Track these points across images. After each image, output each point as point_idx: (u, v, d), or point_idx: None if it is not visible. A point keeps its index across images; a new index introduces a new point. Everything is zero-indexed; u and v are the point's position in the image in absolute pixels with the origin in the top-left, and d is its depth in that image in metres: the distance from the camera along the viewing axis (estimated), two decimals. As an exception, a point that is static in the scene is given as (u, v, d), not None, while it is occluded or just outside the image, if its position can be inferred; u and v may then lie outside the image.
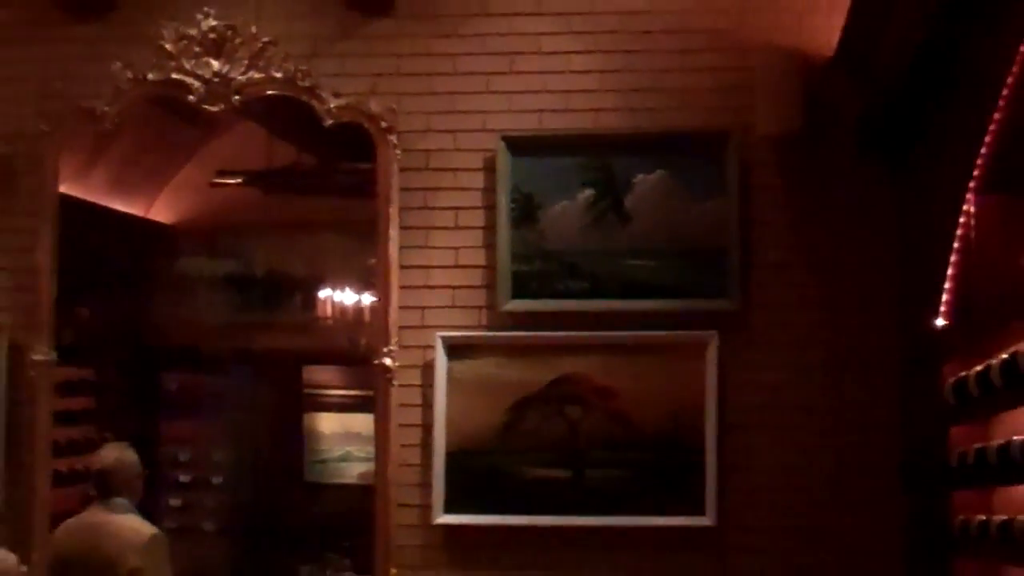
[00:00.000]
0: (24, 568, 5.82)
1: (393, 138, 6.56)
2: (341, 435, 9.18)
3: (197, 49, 6.63)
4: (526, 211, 6.53)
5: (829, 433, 6.37)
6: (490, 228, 6.56)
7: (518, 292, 6.52)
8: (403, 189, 6.57)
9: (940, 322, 5.16)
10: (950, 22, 4.95)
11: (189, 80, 6.63)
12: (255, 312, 8.99)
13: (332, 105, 6.59)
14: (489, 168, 6.57)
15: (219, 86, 6.63)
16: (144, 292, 8.87)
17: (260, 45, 6.61)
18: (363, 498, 6.83)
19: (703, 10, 6.55)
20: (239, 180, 8.66)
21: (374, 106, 6.57)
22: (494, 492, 6.48)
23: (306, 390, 9.60)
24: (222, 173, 8.68)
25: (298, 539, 8.49)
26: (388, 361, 6.52)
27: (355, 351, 8.02)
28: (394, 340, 6.53)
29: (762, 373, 6.42)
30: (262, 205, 8.76)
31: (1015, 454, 4.25)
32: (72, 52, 6.81)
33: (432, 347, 6.53)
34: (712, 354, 6.40)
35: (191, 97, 6.66)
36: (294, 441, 9.40)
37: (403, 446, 6.55)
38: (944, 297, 5.12)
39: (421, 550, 6.53)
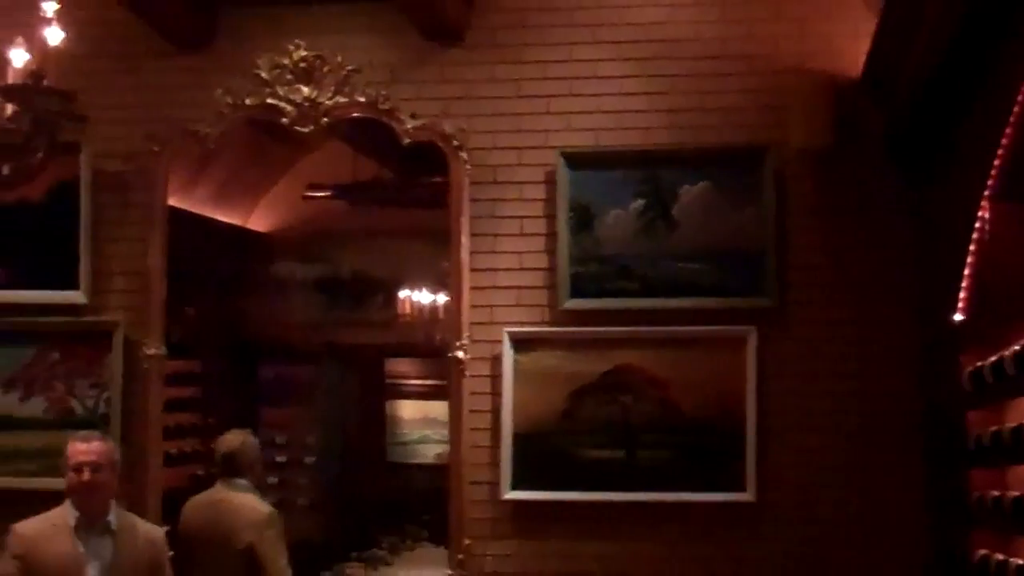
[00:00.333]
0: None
1: (464, 155, 6.55)
2: (419, 420, 9.25)
3: (289, 77, 6.64)
4: (583, 219, 6.51)
5: (856, 418, 6.32)
6: (551, 235, 6.55)
7: (576, 292, 6.51)
8: (473, 200, 6.57)
9: (958, 317, 5.12)
10: (966, 48, 4.92)
11: (282, 104, 6.65)
12: (342, 310, 9.05)
13: (409, 126, 6.59)
14: (550, 181, 6.56)
15: (309, 110, 6.64)
16: (243, 293, 8.94)
17: (345, 73, 6.62)
18: (439, 476, 6.86)
19: (741, 38, 6.51)
20: (327, 193, 8.72)
21: (447, 126, 6.57)
22: (556, 471, 6.47)
23: (388, 380, 9.66)
24: (312, 187, 8.74)
25: (381, 513, 8.55)
26: (461, 354, 6.52)
27: (431, 345, 8.07)
28: (466, 335, 6.53)
29: (796, 364, 6.38)
30: (348, 215, 8.81)
31: (1027, 436, 4.24)
32: (179, 81, 6.84)
33: (500, 341, 6.52)
34: (751, 347, 6.36)
35: (284, 120, 6.67)
36: (377, 425, 9.47)
37: (474, 429, 6.55)
38: (961, 294, 5.08)
39: (491, 523, 6.54)
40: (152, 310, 6.71)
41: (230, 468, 6.83)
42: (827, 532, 6.30)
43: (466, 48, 6.73)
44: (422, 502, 7.88)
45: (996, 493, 4.75)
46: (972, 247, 4.98)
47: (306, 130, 6.69)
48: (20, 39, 3.60)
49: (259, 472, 7.00)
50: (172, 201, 6.88)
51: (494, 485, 6.52)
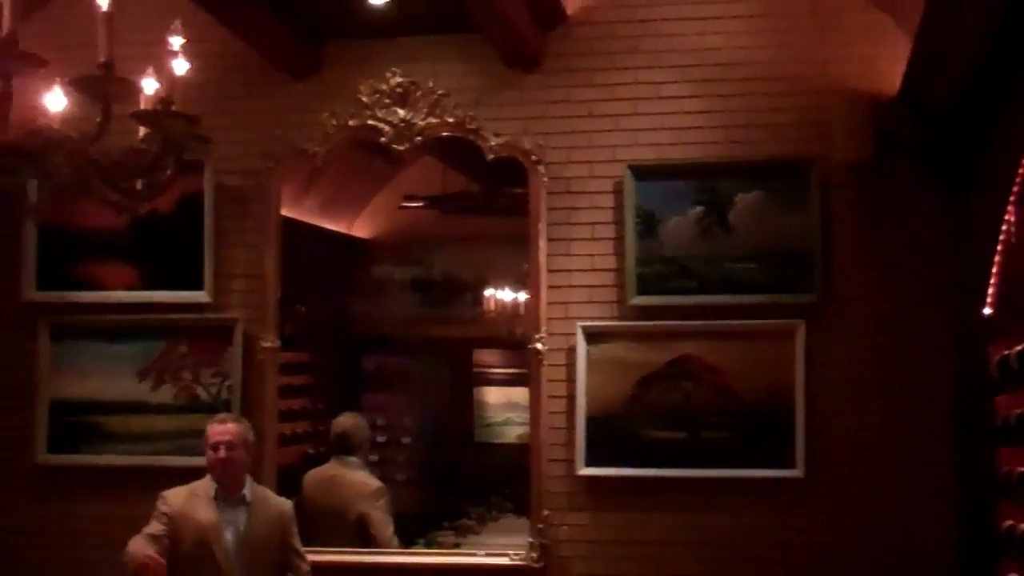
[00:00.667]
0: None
1: (541, 168, 6.57)
2: (503, 404, 9.24)
3: (387, 101, 6.67)
4: (647, 225, 6.50)
5: (895, 402, 6.27)
6: (619, 239, 6.54)
7: (642, 289, 6.50)
8: (549, 209, 6.57)
9: (987, 311, 5.06)
10: (992, 71, 4.88)
11: (381, 125, 6.68)
12: (434, 307, 9.08)
13: (493, 143, 6.61)
14: (618, 191, 6.55)
15: (404, 129, 6.67)
16: (348, 293, 9.00)
17: (436, 96, 6.65)
18: (520, 455, 6.85)
19: (789, 60, 6.48)
20: (421, 203, 8.75)
21: (526, 143, 6.59)
22: (624, 449, 6.46)
23: (475, 369, 9.66)
24: (407, 198, 8.78)
25: (469, 487, 8.55)
26: (539, 345, 6.53)
27: (513, 338, 8.07)
28: (544, 329, 6.54)
29: (840, 353, 6.34)
30: (439, 223, 8.84)
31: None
32: (290, 105, 6.89)
33: (574, 334, 6.52)
34: (800, 338, 6.33)
35: (382, 139, 6.70)
36: (466, 409, 9.47)
37: (552, 413, 6.55)
38: (990, 291, 5.02)
39: (567, 496, 6.54)
40: (268, 308, 6.77)
41: (343, 447, 6.94)
42: (868, 504, 6.27)
43: (543, 74, 6.73)
44: (506, 478, 7.88)
45: (1021, 469, 4.70)
46: (999, 248, 4.92)
47: (402, 148, 6.72)
48: (151, 70, 3.65)
49: (367, 450, 7.09)
50: (285, 211, 6.93)
51: (570, 462, 6.52)
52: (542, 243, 6.56)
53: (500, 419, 9.30)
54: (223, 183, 6.86)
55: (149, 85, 3.63)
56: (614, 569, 6.48)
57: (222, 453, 5.41)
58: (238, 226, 6.90)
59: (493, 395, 9.48)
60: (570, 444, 6.52)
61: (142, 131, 3.70)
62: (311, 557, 5.79)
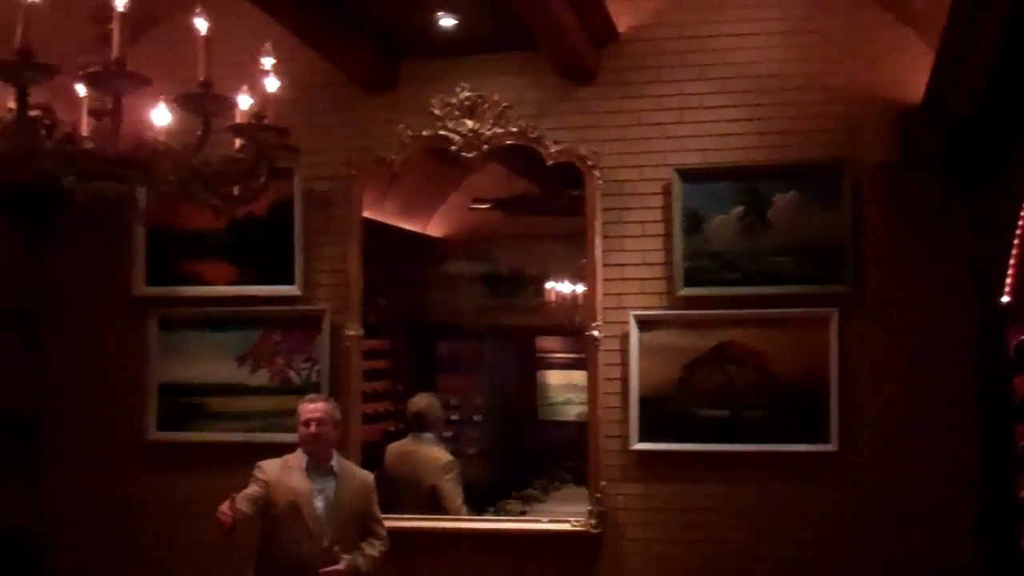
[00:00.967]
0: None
1: (596, 172, 6.55)
2: (563, 386, 9.21)
3: (456, 113, 6.69)
4: (693, 223, 6.47)
5: (921, 383, 6.21)
6: (667, 236, 6.51)
7: (689, 282, 6.47)
8: (604, 209, 6.56)
9: (1005, 299, 5.01)
10: (1008, 80, 4.83)
11: (451, 135, 6.70)
12: (501, 299, 9.07)
13: (553, 149, 6.60)
14: (666, 192, 6.52)
15: (472, 139, 6.68)
16: (423, 286, 9.02)
17: (501, 108, 6.65)
18: (579, 431, 6.84)
19: (822, 72, 6.42)
20: (488, 205, 8.74)
21: (582, 149, 6.57)
22: (674, 426, 6.44)
23: (538, 354, 9.64)
24: (476, 200, 8.78)
25: (534, 460, 8.54)
26: (596, 332, 6.53)
27: (572, 326, 8.05)
28: (600, 317, 6.53)
29: (871, 339, 6.28)
30: (504, 223, 8.82)
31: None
32: (369, 118, 6.92)
33: (627, 322, 6.51)
34: (834, 325, 6.28)
35: (453, 147, 6.71)
36: (530, 390, 9.45)
37: (607, 393, 6.55)
38: (1008, 280, 4.97)
39: (622, 468, 6.53)
40: (352, 300, 6.81)
41: (418, 424, 6.98)
42: (896, 475, 6.22)
43: (597, 86, 6.71)
44: (566, 452, 7.84)
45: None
46: (1016, 241, 4.87)
47: (470, 155, 6.73)
48: (245, 88, 3.68)
49: (440, 427, 7.11)
50: (366, 214, 6.96)
51: (624, 438, 6.52)
52: (598, 240, 6.55)
53: (561, 399, 9.27)
54: (311, 188, 6.90)
55: (244, 101, 3.66)
56: (664, 534, 6.47)
57: (313, 428, 5.48)
58: (324, 227, 6.94)
59: (554, 377, 9.45)
60: (624, 421, 6.51)
61: (238, 142, 3.74)
62: (390, 523, 5.83)
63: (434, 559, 6.59)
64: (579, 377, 7.26)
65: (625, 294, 6.58)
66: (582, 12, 6.14)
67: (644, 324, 6.51)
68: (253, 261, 7.01)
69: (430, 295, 9.09)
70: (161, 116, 3.69)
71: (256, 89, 3.66)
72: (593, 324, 6.53)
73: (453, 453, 7.19)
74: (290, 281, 6.91)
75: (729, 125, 6.53)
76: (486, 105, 6.67)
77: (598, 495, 6.48)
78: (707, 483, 6.42)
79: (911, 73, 6.14)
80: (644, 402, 6.47)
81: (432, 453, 6.96)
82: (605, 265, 6.57)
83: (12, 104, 3.15)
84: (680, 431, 6.45)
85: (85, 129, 3.62)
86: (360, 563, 5.45)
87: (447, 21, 6.47)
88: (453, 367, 9.24)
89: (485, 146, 6.70)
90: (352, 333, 6.78)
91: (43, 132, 3.45)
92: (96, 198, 3.70)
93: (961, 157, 6.04)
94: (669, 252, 6.51)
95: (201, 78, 3.39)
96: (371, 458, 6.72)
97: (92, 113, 3.61)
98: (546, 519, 6.73)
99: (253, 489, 5.38)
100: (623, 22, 6.64)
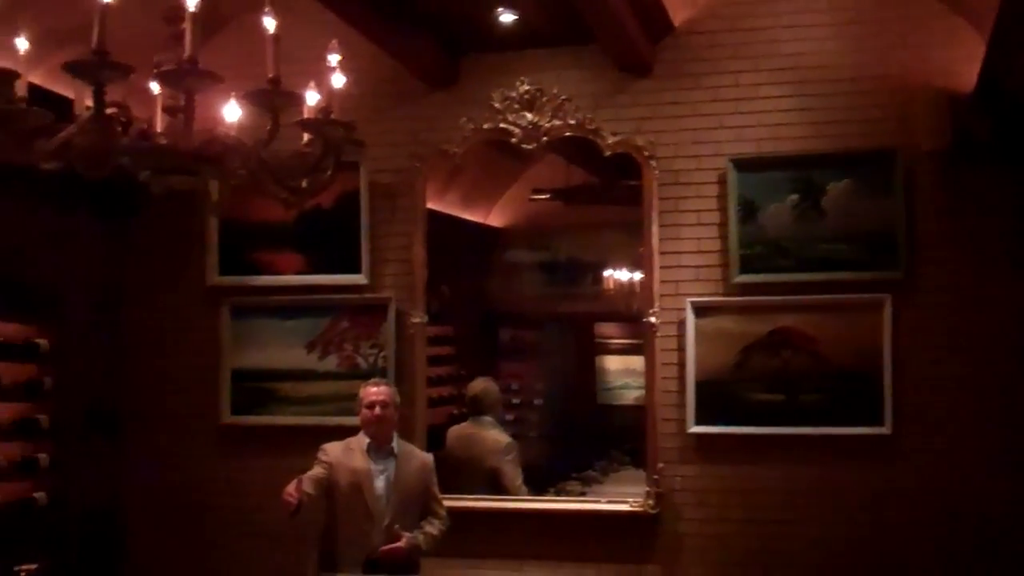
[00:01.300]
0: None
1: (653, 162, 6.54)
2: (621, 370, 9.21)
3: (516, 106, 6.70)
4: (748, 211, 6.43)
5: (971, 367, 6.14)
6: (723, 224, 6.49)
7: (744, 269, 6.44)
8: (661, 198, 6.54)
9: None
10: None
11: (511, 128, 6.71)
12: (560, 286, 9.07)
13: (610, 141, 6.60)
14: (721, 181, 6.50)
15: (532, 131, 6.69)
16: (485, 274, 9.04)
17: (559, 101, 6.65)
18: (637, 415, 6.83)
19: (874, 62, 6.36)
20: (547, 195, 8.74)
21: (639, 140, 6.56)
22: (729, 410, 6.42)
23: (596, 339, 9.65)
24: (536, 191, 8.78)
25: (593, 443, 8.55)
26: (653, 319, 6.52)
27: (629, 312, 8.03)
28: (657, 304, 6.52)
29: (923, 324, 6.22)
30: (563, 212, 8.81)
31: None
32: (432, 112, 6.95)
33: (684, 309, 6.49)
34: (887, 311, 6.22)
35: (513, 139, 6.73)
36: (589, 375, 9.46)
37: (665, 378, 6.54)
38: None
39: (679, 451, 6.52)
40: (416, 288, 6.86)
41: (477, 407, 7.01)
42: (950, 457, 6.16)
43: (653, 78, 6.69)
44: (625, 435, 7.86)
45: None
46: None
47: (530, 147, 6.75)
48: (312, 84, 3.71)
49: (499, 410, 7.14)
50: (429, 205, 6.99)
51: (681, 421, 6.51)
52: (654, 228, 6.54)
53: (619, 384, 9.27)
54: (376, 181, 6.94)
55: (311, 97, 3.68)
56: (720, 515, 6.45)
57: (376, 411, 5.53)
58: (389, 218, 6.98)
59: (612, 363, 9.46)
60: (681, 405, 6.50)
61: (306, 137, 3.76)
62: (452, 503, 5.86)
63: (495, 539, 6.60)
64: (636, 362, 7.26)
65: (681, 281, 6.56)
66: (639, 6, 6.12)
67: (700, 310, 6.49)
68: (321, 251, 7.06)
69: (492, 283, 9.11)
70: (232, 112, 3.72)
71: (323, 85, 3.68)
72: (650, 311, 6.52)
73: (514, 436, 7.22)
74: (357, 270, 6.96)
75: (783, 115, 6.48)
76: (545, 98, 6.67)
77: (656, 477, 6.48)
78: (762, 465, 6.39)
79: (963, 62, 6.06)
80: (700, 386, 6.46)
81: (491, 435, 7.00)
82: (662, 253, 6.55)
83: (90, 103, 3.20)
84: (736, 415, 6.42)
85: (159, 126, 3.65)
86: (420, 541, 5.48)
87: (507, 17, 6.48)
88: (514, 353, 9.27)
89: (544, 138, 6.70)
90: (416, 320, 6.82)
91: (119, 129, 3.50)
92: (170, 192, 3.75)
93: (1012, 145, 5.97)
94: (724, 240, 6.48)
95: (270, 75, 3.41)
96: (435, 440, 6.77)
97: (166, 110, 3.65)
98: (605, 500, 6.74)
99: (317, 471, 5.44)
100: (678, 15, 6.61)
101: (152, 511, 7.24)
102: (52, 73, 3.60)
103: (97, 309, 7.18)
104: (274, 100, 3.45)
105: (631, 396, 8.76)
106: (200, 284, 7.21)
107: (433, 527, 5.59)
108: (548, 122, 6.67)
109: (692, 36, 6.65)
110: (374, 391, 5.60)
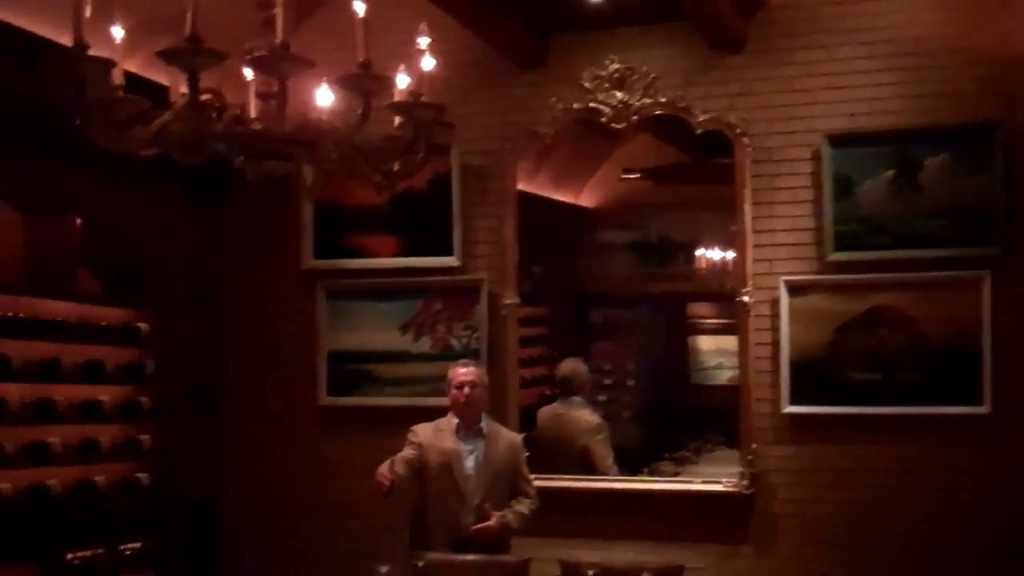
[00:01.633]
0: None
1: (745, 140, 6.46)
2: (715, 350, 9.10)
3: (606, 85, 6.66)
4: (843, 188, 6.32)
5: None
6: (817, 201, 6.38)
7: (839, 246, 6.33)
8: (754, 176, 6.46)
9: None
10: None
11: (602, 107, 6.68)
12: (652, 266, 8.98)
13: (701, 118, 6.53)
14: (816, 158, 6.39)
15: (622, 110, 6.65)
16: (576, 255, 8.98)
17: (649, 79, 6.60)
18: (731, 395, 6.77)
19: (972, 33, 6.19)
20: (638, 175, 8.66)
21: (731, 118, 6.49)
22: (825, 390, 6.33)
23: (689, 319, 9.56)
24: (626, 170, 8.70)
25: (686, 423, 8.49)
26: (746, 298, 6.45)
27: (722, 292, 7.93)
28: (750, 283, 6.45)
29: (1023, 299, 6.09)
30: (654, 192, 8.74)
31: None
32: (522, 93, 6.94)
33: (777, 288, 6.42)
34: (986, 288, 6.08)
35: (603, 119, 6.70)
36: (682, 355, 9.37)
37: (758, 358, 6.47)
38: None
39: (773, 431, 6.46)
40: (508, 269, 6.87)
41: (567, 388, 7.02)
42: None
43: (745, 55, 6.60)
44: (718, 415, 7.77)
45: None
46: None
47: (620, 127, 6.71)
48: (403, 67, 3.71)
49: (589, 391, 7.13)
50: (520, 186, 6.99)
51: (775, 401, 6.44)
52: (747, 207, 6.46)
53: (712, 364, 9.17)
54: (467, 163, 6.95)
55: (402, 80, 3.69)
56: (815, 495, 6.37)
57: (466, 391, 5.58)
58: (481, 200, 6.99)
59: (706, 343, 9.36)
60: (775, 385, 6.43)
61: (397, 120, 3.77)
62: (543, 483, 5.88)
63: (586, 519, 6.60)
64: (730, 342, 7.18)
65: (775, 259, 6.48)
66: (729, -18, 6.05)
67: (794, 289, 6.40)
68: (414, 233, 7.10)
69: (583, 264, 9.07)
70: (324, 97, 3.75)
71: (413, 68, 3.68)
72: (744, 290, 6.45)
73: (607, 417, 7.19)
74: (449, 252, 6.98)
75: (879, 89, 6.35)
76: (635, 76, 6.62)
77: (750, 457, 6.42)
78: (858, 445, 6.30)
79: (1066, 32, 5.89)
80: (795, 366, 6.37)
81: (582, 416, 7.00)
82: (755, 231, 6.47)
83: (184, 89, 3.23)
84: (831, 394, 6.33)
85: (253, 111, 3.69)
86: (511, 520, 5.50)
87: (596, -4, 6.44)
88: (606, 333, 9.22)
89: (635, 117, 6.66)
90: (509, 301, 6.83)
91: (214, 115, 3.54)
92: (265, 176, 3.78)
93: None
94: (819, 217, 6.38)
95: (360, 59, 3.42)
96: (528, 421, 6.78)
97: (259, 96, 3.68)
98: (699, 480, 6.69)
99: (408, 452, 5.49)
100: (770, -10, 6.52)
101: (250, 491, 7.36)
102: (148, 61, 3.64)
103: (195, 294, 7.30)
104: (365, 84, 3.46)
105: (724, 376, 8.65)
106: (295, 268, 7.29)
107: (523, 506, 5.60)
108: (638, 101, 6.62)
109: (784, 10, 6.55)
110: (462, 372, 5.63)
